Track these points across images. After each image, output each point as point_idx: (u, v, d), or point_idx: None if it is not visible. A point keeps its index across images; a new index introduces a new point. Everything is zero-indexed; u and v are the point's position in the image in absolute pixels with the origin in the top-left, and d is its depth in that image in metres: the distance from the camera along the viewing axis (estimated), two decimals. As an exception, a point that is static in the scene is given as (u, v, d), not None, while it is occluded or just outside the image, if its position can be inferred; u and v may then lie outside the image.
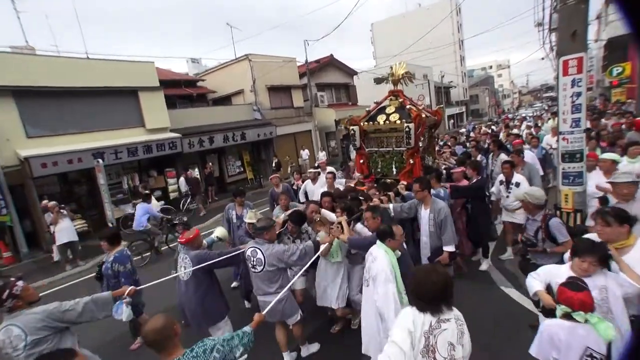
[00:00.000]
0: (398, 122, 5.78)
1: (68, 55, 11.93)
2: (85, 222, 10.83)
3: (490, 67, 74.58)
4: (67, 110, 10.97)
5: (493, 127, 18.86)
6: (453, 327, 1.94)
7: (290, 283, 3.39)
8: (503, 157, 6.54)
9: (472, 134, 15.54)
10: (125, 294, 3.30)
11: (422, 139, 5.88)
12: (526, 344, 2.29)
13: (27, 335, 2.59)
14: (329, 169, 7.29)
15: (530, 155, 6.76)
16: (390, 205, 4.55)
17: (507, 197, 5.39)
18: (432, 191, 4.60)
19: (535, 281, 2.64)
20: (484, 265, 5.48)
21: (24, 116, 10.03)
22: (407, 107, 6.04)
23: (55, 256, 9.07)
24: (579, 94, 4.49)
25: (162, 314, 1.97)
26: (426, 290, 1.95)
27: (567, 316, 2.08)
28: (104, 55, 20.36)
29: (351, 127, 6.38)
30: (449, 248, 4.17)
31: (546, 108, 35.16)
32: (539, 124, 14.28)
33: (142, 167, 13.40)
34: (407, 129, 5.53)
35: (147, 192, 10.01)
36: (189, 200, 12.83)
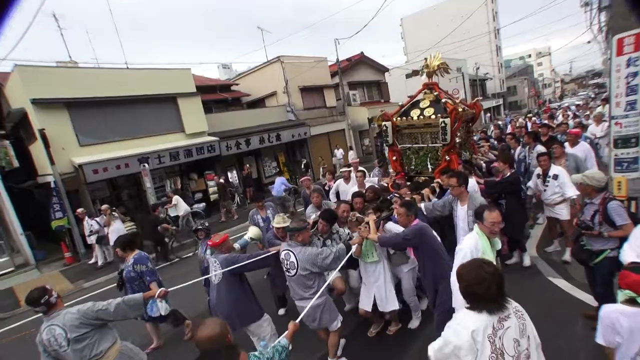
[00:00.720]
0: (433, 116, 5.49)
1: (109, 67, 12.59)
2: (134, 224, 11.37)
3: (529, 55, 70.88)
4: (113, 118, 11.56)
5: (534, 118, 17.61)
6: (514, 322, 1.81)
7: (323, 288, 3.30)
8: (539, 149, 6.24)
9: (509, 127, 14.72)
10: (156, 295, 3.45)
11: (458, 134, 5.58)
12: (578, 334, 2.16)
13: (67, 333, 2.85)
14: (360, 168, 7.16)
15: (582, 148, 6.23)
16: (422, 205, 4.39)
17: (545, 190, 5.17)
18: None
19: (630, 252, 2.60)
20: (526, 260, 5.28)
21: (76, 126, 10.69)
22: (443, 100, 5.73)
23: (99, 260, 9.58)
24: (635, 74, 4.20)
25: (216, 321, 1.94)
26: (481, 287, 1.78)
27: (631, 301, 1.97)
28: (138, 65, 21.23)
29: (383, 123, 6.09)
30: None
31: (592, 96, 33.02)
32: (588, 113, 13.35)
33: (183, 170, 13.89)
34: (442, 124, 5.22)
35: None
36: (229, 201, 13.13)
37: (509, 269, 5.11)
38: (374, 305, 3.91)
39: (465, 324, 1.82)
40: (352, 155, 14.02)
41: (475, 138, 9.90)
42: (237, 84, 19.61)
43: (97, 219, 9.64)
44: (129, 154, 11.21)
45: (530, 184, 5.56)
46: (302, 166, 16.91)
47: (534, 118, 17.19)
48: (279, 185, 10.98)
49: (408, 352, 3.84)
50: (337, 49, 18.50)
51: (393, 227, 3.86)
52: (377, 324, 4.29)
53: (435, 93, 5.88)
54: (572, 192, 4.80)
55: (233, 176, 14.93)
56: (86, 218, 9.58)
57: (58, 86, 10.23)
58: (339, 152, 18.63)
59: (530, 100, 53.72)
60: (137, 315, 3.25)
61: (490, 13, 44.67)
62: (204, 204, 13.01)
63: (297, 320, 2.67)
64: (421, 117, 5.68)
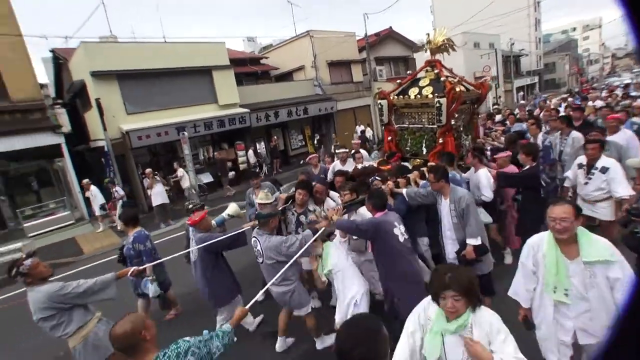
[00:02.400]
0: (430, 96, 5.14)
1: (148, 41, 13.56)
2: (169, 189, 12.49)
3: (574, 29, 66.39)
4: (155, 89, 12.62)
5: (570, 98, 15.78)
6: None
7: (278, 275, 3.10)
8: (575, 135, 5.67)
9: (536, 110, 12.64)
10: (129, 274, 3.43)
11: (456, 115, 5.22)
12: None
13: (34, 312, 2.91)
14: (362, 151, 6.98)
15: (624, 136, 5.43)
16: (404, 190, 4.17)
17: (586, 184, 4.41)
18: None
19: None
20: None
21: (124, 96, 11.86)
22: (442, 79, 5.31)
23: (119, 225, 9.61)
24: None
25: (134, 316, 1.88)
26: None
27: None
28: (170, 38, 22.04)
29: (379, 101, 5.77)
30: (473, 241, 3.60)
31: None
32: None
33: (215, 140, 14.92)
34: (437, 104, 4.88)
35: None
36: (258, 171, 14.12)
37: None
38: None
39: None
40: (356, 138, 14.15)
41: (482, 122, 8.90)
42: (266, 57, 20.24)
43: (117, 187, 10.44)
44: (168, 122, 12.31)
45: (568, 174, 4.88)
46: (315, 141, 17.22)
47: (570, 99, 15.53)
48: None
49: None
50: (366, 24, 18.67)
51: (366, 213, 3.66)
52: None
53: (436, 71, 5.52)
54: (625, 192, 4.02)
55: (261, 147, 15.84)
56: (102, 188, 10.66)
57: (112, 59, 11.37)
58: (360, 129, 18.97)
59: (571, 78, 50.91)
60: (110, 297, 3.22)
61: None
62: (233, 172, 14.13)
63: (247, 307, 2.60)
64: (418, 96, 5.37)
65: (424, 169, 4.59)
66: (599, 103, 10.75)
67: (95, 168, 13.89)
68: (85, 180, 10.72)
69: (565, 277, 2.18)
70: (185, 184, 11.63)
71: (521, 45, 38.78)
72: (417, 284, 3.18)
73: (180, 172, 11.62)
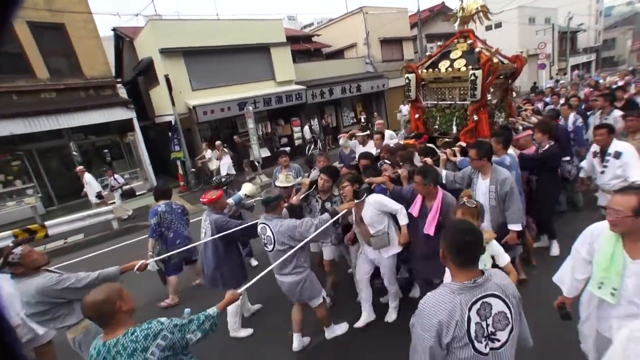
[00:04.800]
0: (463, 68, 4.76)
1: (209, 19, 13.84)
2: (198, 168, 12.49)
3: (640, 0, 60.57)
4: (217, 66, 12.97)
5: (628, 76, 13.95)
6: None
7: (286, 253, 2.93)
8: (616, 114, 5.37)
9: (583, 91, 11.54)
10: (135, 269, 3.11)
11: (491, 90, 4.88)
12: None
13: (22, 306, 2.63)
14: (389, 132, 6.73)
15: None
16: (444, 172, 3.89)
17: (603, 173, 4.10)
18: (495, 159, 3.80)
19: None
20: (554, 249, 4.53)
21: (190, 72, 12.30)
22: (477, 50, 4.93)
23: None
24: None
25: (108, 286, 1.86)
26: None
27: None
28: (223, 16, 22.41)
29: (406, 75, 5.34)
30: (515, 227, 3.41)
31: None
32: None
33: (271, 116, 15.19)
34: (472, 77, 4.53)
35: None
36: (312, 147, 14.32)
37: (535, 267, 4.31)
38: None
39: None
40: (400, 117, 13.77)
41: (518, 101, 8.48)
42: (318, 35, 20.13)
43: (117, 175, 10.02)
44: (230, 98, 12.67)
45: (583, 164, 4.57)
46: (362, 120, 16.94)
47: (627, 77, 13.74)
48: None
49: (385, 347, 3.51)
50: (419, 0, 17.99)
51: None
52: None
53: (470, 41, 5.08)
54: (638, 176, 3.70)
55: (314, 124, 15.97)
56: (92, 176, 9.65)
57: (178, 37, 11.77)
58: (405, 108, 18.26)
59: (633, 55, 46.87)
60: None
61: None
62: (289, 147, 14.35)
63: (240, 290, 2.45)
64: (449, 69, 4.97)
65: (449, 151, 4.35)
66: None
67: (159, 143, 14.59)
68: (80, 167, 9.58)
69: (616, 274, 1.94)
70: (212, 166, 11.35)
71: (580, 19, 36.07)
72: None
73: (210, 153, 11.32)
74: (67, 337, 2.83)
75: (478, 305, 1.53)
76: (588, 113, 6.54)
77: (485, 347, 1.53)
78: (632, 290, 1.92)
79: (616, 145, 3.95)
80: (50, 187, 11.73)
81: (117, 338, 1.71)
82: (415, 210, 3.25)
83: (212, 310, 2.09)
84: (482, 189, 3.59)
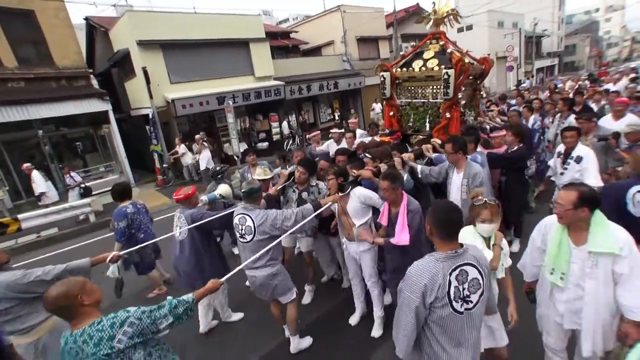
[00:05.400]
0: (436, 68, 5.00)
1: (188, 12, 13.73)
2: (167, 165, 12.28)
3: (597, 10, 64.58)
4: (195, 59, 12.90)
5: (583, 82, 15.01)
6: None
7: (262, 251, 2.92)
8: (572, 119, 5.59)
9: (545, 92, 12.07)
10: (107, 260, 2.97)
11: (462, 89, 5.11)
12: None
13: None
14: (359, 131, 6.96)
15: (629, 121, 4.92)
16: (419, 167, 4.00)
17: (562, 174, 4.27)
18: (470, 157, 3.92)
19: None
20: (514, 247, 4.60)
21: (168, 65, 12.18)
22: (449, 51, 5.17)
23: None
24: None
25: (69, 280, 1.86)
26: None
27: None
28: (200, 9, 21.99)
29: (381, 74, 5.54)
30: None
31: None
32: None
33: (249, 111, 15.24)
34: (445, 76, 4.75)
35: None
36: (290, 142, 14.53)
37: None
38: None
39: None
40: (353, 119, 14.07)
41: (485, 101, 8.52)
42: (296, 32, 20.25)
43: (74, 173, 9.63)
44: (209, 92, 12.63)
45: (550, 162, 4.74)
46: (336, 117, 17.34)
47: (582, 82, 14.73)
48: None
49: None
50: (395, 1, 18.51)
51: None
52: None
53: (442, 43, 5.35)
54: (594, 182, 3.82)
55: (292, 120, 16.16)
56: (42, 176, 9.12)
57: (156, 29, 11.64)
58: (378, 106, 18.05)
59: (590, 61, 50.06)
60: None
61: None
62: (267, 142, 14.60)
63: (223, 280, 2.41)
64: (423, 68, 5.19)
65: (425, 147, 4.45)
66: (614, 87, 10.72)
67: (135, 136, 14.33)
68: (26, 165, 9.01)
69: (564, 261, 2.19)
70: (187, 161, 11.42)
71: (544, 25, 38.06)
72: None
73: (183, 148, 11.33)
74: (24, 343, 2.64)
75: (457, 271, 1.81)
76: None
77: (461, 307, 1.82)
78: (577, 274, 2.16)
79: (579, 149, 4.12)
80: (18, 180, 11.30)
81: (84, 328, 1.72)
82: (384, 219, 3.20)
83: (188, 297, 2.07)
84: (457, 183, 3.73)
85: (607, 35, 62.87)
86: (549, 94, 10.39)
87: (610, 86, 11.09)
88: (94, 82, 15.03)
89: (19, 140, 11.50)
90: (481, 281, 1.88)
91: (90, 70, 15.82)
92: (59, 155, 12.30)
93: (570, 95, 8.13)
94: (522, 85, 18.65)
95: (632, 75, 12.87)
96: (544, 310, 2.48)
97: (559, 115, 6.11)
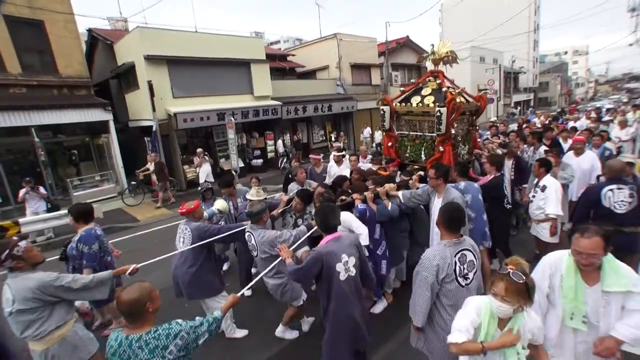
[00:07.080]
0: (432, 105, 5.28)
1: (195, 31, 14.25)
2: (142, 179, 11.77)
3: (565, 52, 69.77)
4: (199, 76, 13.32)
5: (553, 120, 14.92)
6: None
7: (266, 271, 3.24)
8: (542, 151, 6.09)
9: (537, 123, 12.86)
10: (127, 273, 3.01)
11: (455, 125, 5.36)
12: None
13: (14, 302, 2.50)
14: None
15: (589, 157, 5.77)
16: (400, 193, 4.22)
17: (531, 202, 4.66)
18: (452, 184, 4.13)
19: None
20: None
21: (172, 80, 12.53)
22: (444, 89, 5.44)
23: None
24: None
25: (141, 285, 1.89)
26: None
27: None
28: (201, 29, 22.68)
29: (381, 107, 5.87)
30: None
31: (625, 100, 32.60)
32: (613, 119, 11.79)
33: (246, 129, 15.64)
34: (438, 114, 5.01)
35: None
36: (285, 160, 14.95)
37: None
38: None
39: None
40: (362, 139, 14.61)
41: (486, 134, 9.10)
42: (293, 55, 21.05)
43: (40, 188, 8.85)
44: (210, 108, 13.01)
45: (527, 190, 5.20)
46: (332, 138, 18.08)
47: (551, 120, 14.67)
48: None
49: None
50: (387, 32, 19.75)
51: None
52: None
53: (439, 81, 5.65)
54: (553, 210, 4.25)
55: (287, 139, 16.64)
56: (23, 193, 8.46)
57: (163, 45, 12.04)
58: (366, 131, 19.05)
59: (561, 98, 53.60)
60: (103, 297, 2.88)
61: (533, 7, 44.35)
62: (261, 160, 15.00)
63: (239, 294, 2.56)
64: (420, 104, 5.50)
65: (411, 182, 4.70)
66: (578, 124, 11.69)
67: (130, 148, 14.38)
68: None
69: (582, 303, 2.09)
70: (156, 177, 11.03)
71: (521, 62, 40.85)
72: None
73: (153, 166, 10.95)
74: (36, 348, 2.63)
75: (459, 255, 2.41)
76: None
77: (463, 282, 2.41)
78: (591, 315, 2.11)
79: (545, 180, 4.46)
80: (8, 186, 11.14)
81: (140, 334, 1.82)
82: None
83: (218, 314, 2.26)
84: (437, 207, 3.80)
85: (575, 76, 67.82)
86: (517, 127, 11.23)
87: (572, 123, 12.17)
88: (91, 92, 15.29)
89: (11, 146, 11.46)
90: (475, 263, 2.48)
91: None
92: (54, 163, 12.27)
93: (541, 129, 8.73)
94: (513, 114, 19.67)
95: (593, 115, 13.56)
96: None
97: (532, 148, 6.64)
